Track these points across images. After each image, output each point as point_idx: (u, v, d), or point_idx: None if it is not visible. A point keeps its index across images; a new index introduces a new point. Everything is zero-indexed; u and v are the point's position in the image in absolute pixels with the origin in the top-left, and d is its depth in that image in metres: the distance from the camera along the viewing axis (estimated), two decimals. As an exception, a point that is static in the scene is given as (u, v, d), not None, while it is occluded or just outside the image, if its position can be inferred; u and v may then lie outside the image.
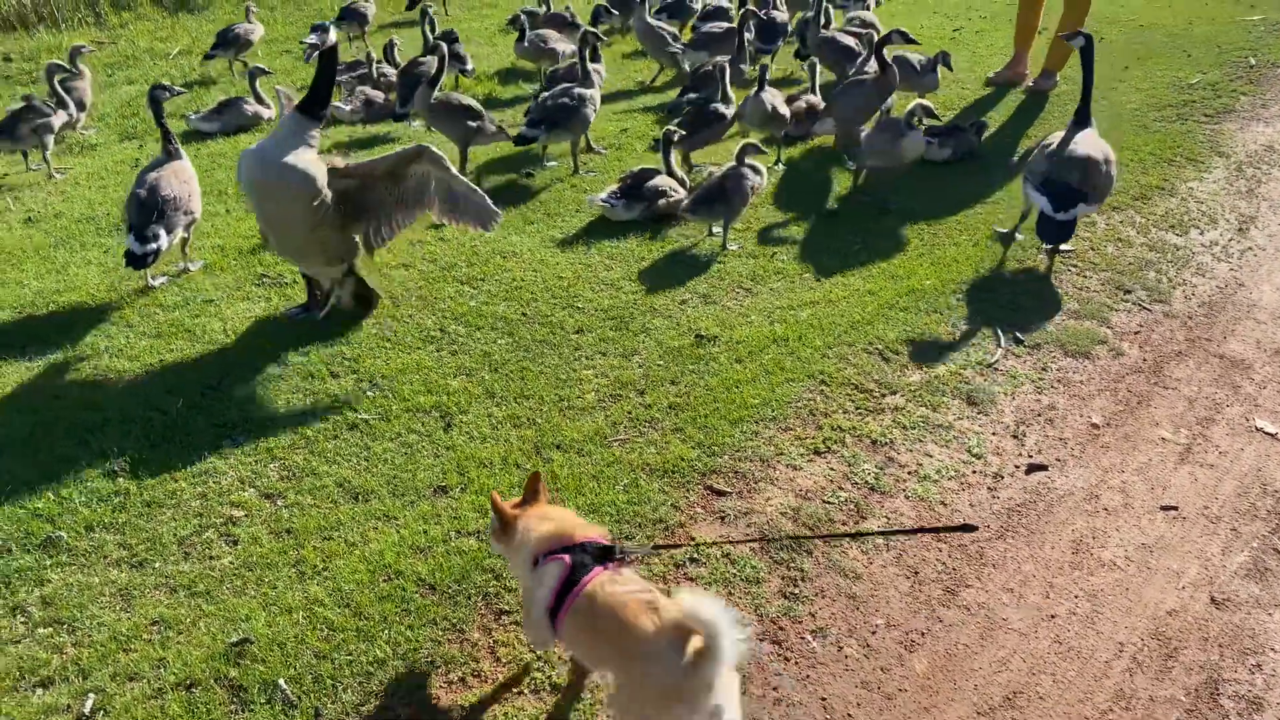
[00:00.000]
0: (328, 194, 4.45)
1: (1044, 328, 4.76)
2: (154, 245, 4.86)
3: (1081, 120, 5.35)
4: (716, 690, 2.16)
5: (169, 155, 5.17)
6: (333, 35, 4.35)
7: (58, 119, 6.72)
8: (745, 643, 2.09)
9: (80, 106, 6.93)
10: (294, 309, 4.92)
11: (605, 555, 2.45)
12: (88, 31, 10.15)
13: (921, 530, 3.44)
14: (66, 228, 5.87)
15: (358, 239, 4.74)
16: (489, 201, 4.73)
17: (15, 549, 3.40)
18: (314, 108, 4.38)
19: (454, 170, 4.65)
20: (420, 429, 4.05)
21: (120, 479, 3.73)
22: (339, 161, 4.59)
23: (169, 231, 4.95)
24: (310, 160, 4.42)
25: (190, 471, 3.79)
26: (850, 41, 7.68)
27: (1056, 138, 5.32)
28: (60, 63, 7.00)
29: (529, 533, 2.56)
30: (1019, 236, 5.57)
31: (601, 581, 2.37)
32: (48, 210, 6.14)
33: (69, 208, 6.16)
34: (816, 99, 7.21)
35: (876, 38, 7.19)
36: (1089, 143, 5.22)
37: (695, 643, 2.13)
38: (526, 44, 8.00)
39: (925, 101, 6.02)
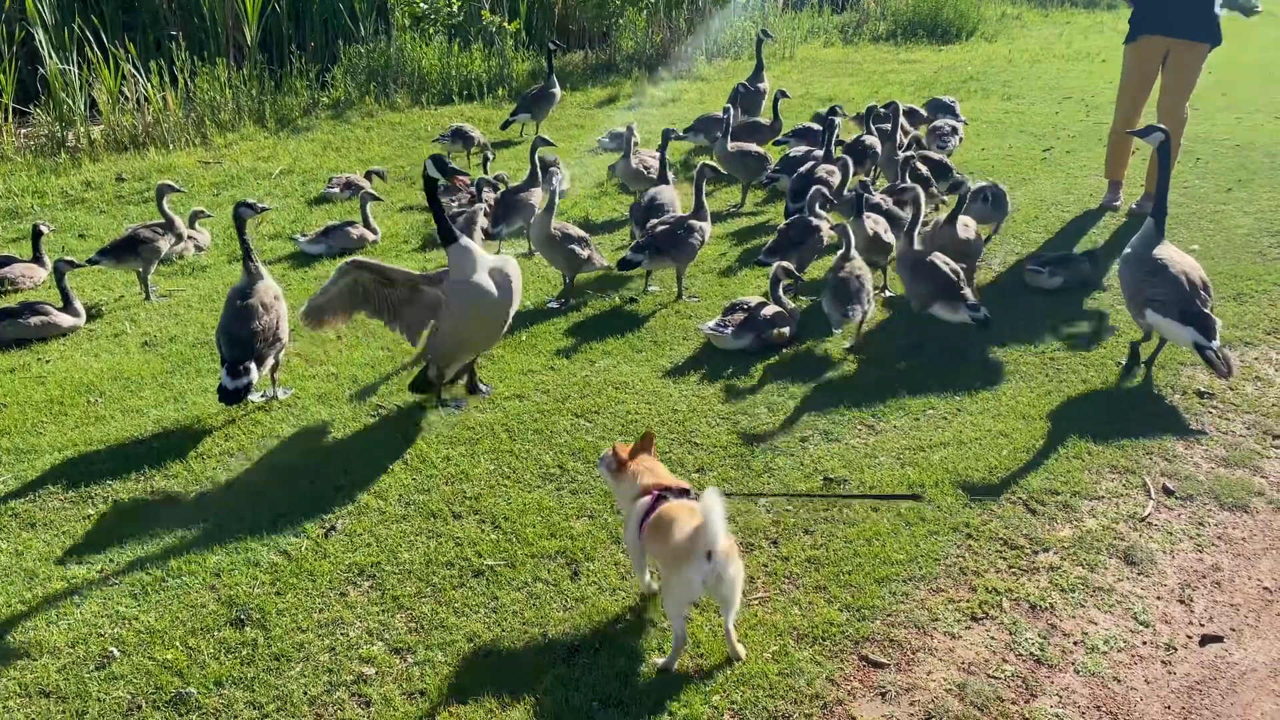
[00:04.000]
0: None
1: (1193, 476, 4.51)
2: (245, 379, 4.88)
3: (1161, 227, 5.35)
4: (715, 557, 3.13)
5: (250, 276, 5.22)
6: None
7: (165, 242, 6.89)
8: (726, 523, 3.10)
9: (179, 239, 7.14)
10: (453, 404, 5.24)
11: (683, 494, 3.45)
12: (194, 151, 10.55)
13: (868, 496, 4.32)
14: (182, 352, 5.95)
15: None
16: None
17: (145, 705, 3.30)
18: (449, 234, 4.91)
19: None
20: (547, 577, 3.91)
21: (248, 628, 3.63)
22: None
23: (260, 364, 4.99)
24: (509, 260, 5.10)
25: (317, 621, 3.68)
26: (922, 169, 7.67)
27: (1155, 253, 5.29)
28: (170, 183, 7.23)
29: (636, 478, 3.56)
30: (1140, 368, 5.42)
31: (669, 505, 3.36)
32: (163, 334, 6.24)
33: (183, 331, 6.26)
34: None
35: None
36: (1192, 263, 5.32)
37: (693, 523, 3.18)
38: (633, 163, 8.02)
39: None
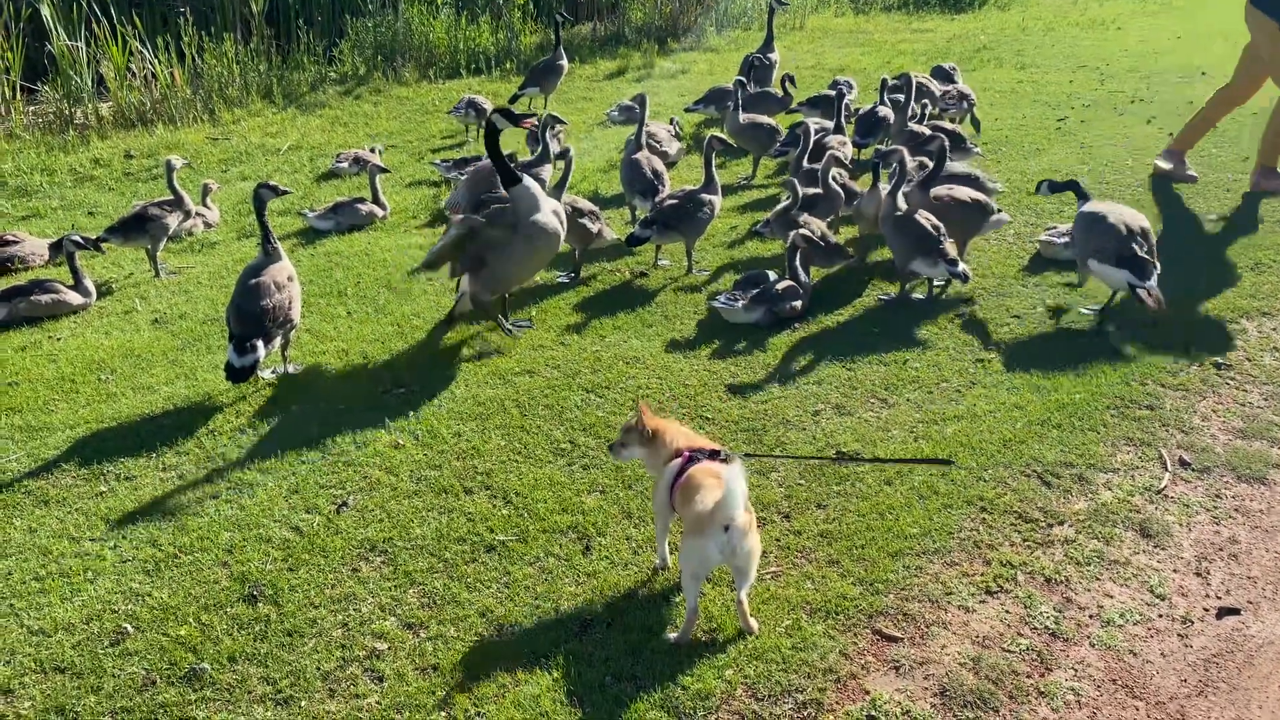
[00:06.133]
0: None
1: (1211, 448, 4.46)
2: (252, 357, 4.89)
3: (1083, 195, 5.89)
4: (732, 530, 3.14)
5: (268, 255, 5.22)
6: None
7: (173, 219, 6.86)
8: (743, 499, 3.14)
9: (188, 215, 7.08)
10: (516, 327, 5.74)
11: (713, 455, 3.48)
12: (202, 128, 10.51)
13: (901, 461, 4.31)
14: (192, 329, 5.94)
15: None
16: None
17: (159, 681, 3.31)
18: (513, 177, 5.31)
19: None
20: (559, 552, 3.90)
21: (261, 604, 3.64)
22: None
23: (267, 342, 4.98)
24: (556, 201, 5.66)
25: (329, 597, 3.68)
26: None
27: (1094, 209, 5.68)
28: (173, 158, 7.18)
29: (668, 444, 3.59)
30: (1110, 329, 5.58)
31: (698, 468, 3.39)
32: (173, 311, 6.23)
33: (193, 308, 6.26)
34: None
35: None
36: (1132, 213, 5.63)
37: (716, 493, 3.17)
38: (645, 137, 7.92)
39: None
